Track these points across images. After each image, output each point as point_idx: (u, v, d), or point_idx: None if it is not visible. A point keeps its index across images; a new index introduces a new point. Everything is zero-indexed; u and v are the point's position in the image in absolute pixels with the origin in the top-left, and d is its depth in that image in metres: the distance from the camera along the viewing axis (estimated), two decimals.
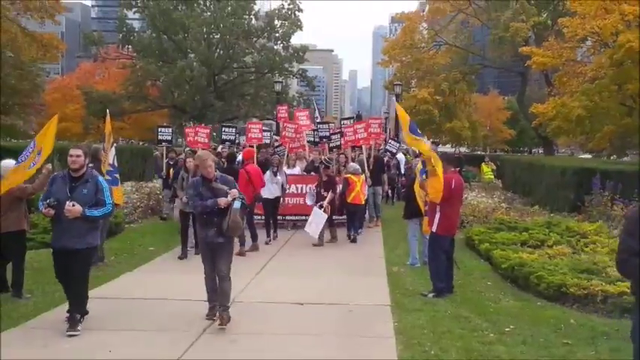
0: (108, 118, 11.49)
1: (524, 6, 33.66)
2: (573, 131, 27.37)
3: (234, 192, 6.85)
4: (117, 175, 10.70)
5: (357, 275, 10.01)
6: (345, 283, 9.40)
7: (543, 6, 35.59)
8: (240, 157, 13.90)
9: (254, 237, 12.06)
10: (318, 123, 19.79)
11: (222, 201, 6.78)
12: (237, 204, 6.79)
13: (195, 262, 9.55)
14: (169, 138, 15.64)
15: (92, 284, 8.73)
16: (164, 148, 15.26)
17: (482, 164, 27.87)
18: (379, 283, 9.37)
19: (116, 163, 10.87)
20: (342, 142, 16.26)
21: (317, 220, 12.46)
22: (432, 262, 8.71)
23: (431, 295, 8.40)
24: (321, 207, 12.60)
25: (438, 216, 8.50)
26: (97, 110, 41.63)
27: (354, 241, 13.20)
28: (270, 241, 12.97)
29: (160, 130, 15.55)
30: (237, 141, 18.48)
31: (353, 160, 15.54)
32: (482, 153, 50.08)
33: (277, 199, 13.33)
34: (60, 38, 38.66)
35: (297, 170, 15.94)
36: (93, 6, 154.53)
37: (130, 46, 44.80)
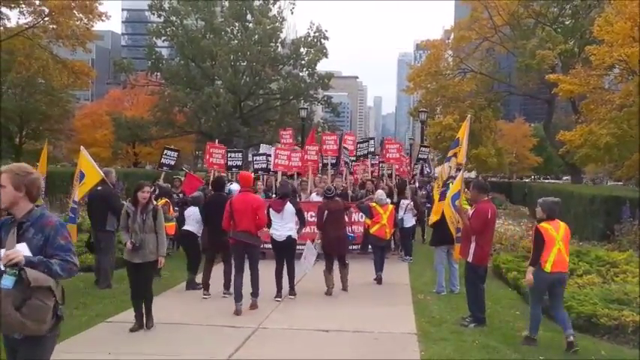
0: (82, 151, 10.46)
1: (551, 34, 33.62)
2: (601, 159, 27.11)
3: (12, 253, 3.50)
4: (76, 213, 10.46)
5: (382, 303, 9.91)
6: (370, 310, 9.32)
7: (570, 34, 35.53)
8: (234, 186, 11.98)
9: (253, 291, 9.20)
10: (359, 142, 18.97)
11: None
12: (6, 281, 3.47)
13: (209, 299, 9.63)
14: (172, 163, 13.34)
15: (121, 307, 8.80)
16: (163, 173, 12.91)
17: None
18: (405, 311, 9.27)
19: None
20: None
21: (309, 253, 10.53)
22: (471, 292, 8.61)
23: (472, 325, 8.28)
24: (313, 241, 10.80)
25: (473, 246, 8.39)
26: (125, 136, 42.63)
27: (379, 281, 11.64)
28: (279, 298, 9.84)
29: (165, 152, 13.15)
30: (269, 168, 17.27)
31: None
32: (508, 180, 49.65)
33: (289, 242, 9.91)
34: (90, 65, 39.54)
35: None
36: (123, 34, 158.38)
37: (158, 73, 45.71)
